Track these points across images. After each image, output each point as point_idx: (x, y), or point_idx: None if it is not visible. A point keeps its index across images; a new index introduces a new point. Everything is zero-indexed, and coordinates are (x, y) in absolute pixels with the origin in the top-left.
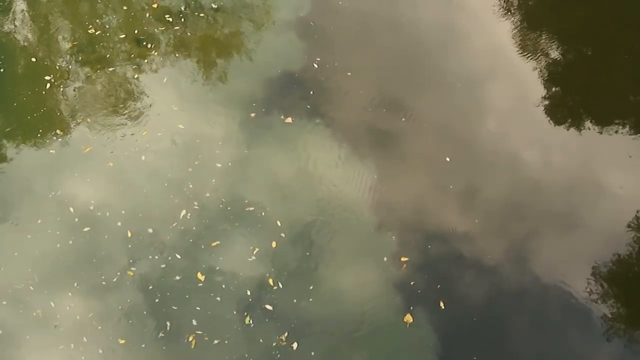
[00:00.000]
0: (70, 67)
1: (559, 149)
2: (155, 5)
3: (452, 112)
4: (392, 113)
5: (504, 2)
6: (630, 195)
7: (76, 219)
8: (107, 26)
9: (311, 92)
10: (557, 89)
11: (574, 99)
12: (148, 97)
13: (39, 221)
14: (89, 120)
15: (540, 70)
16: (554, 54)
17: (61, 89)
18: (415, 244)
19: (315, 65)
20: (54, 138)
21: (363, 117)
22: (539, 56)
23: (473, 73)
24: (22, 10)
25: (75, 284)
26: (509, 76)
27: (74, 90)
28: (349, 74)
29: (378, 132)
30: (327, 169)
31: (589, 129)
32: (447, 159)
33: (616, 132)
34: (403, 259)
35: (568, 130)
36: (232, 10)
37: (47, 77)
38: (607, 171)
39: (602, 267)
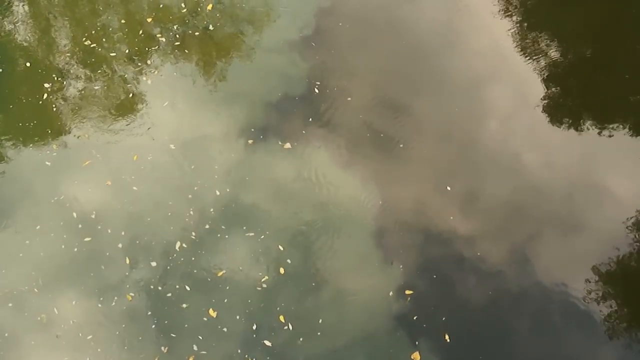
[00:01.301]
0: (64, 79)
1: (559, 150)
2: (149, 20)
3: (457, 136)
4: (392, 140)
5: (504, 2)
6: (631, 196)
7: (76, 227)
8: (103, 39)
9: (310, 119)
10: (557, 89)
11: (573, 99)
12: (144, 122)
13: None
14: (86, 135)
15: (541, 71)
16: (555, 54)
17: (57, 99)
18: (420, 275)
19: (317, 90)
20: (49, 152)
21: (363, 143)
22: (540, 57)
23: (473, 77)
24: (18, 20)
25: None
26: (509, 77)
27: (69, 102)
28: (349, 99)
29: (379, 158)
30: (327, 195)
31: (589, 129)
32: (448, 188)
33: (616, 132)
34: (408, 292)
35: (568, 131)
36: (230, 29)
37: (47, 85)
38: (607, 172)
39: (603, 268)
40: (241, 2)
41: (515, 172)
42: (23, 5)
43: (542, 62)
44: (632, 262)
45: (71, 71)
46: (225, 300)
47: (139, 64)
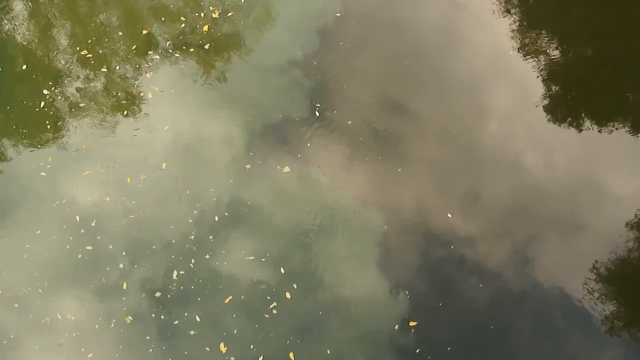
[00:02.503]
0: (60, 86)
1: (559, 150)
2: (145, 32)
3: (464, 162)
4: (392, 163)
5: (505, 2)
6: (631, 195)
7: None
8: (99, 51)
9: (309, 143)
10: (558, 89)
11: (574, 99)
12: (138, 146)
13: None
14: (83, 145)
15: (542, 71)
16: (555, 53)
17: (55, 106)
18: (424, 305)
19: (317, 113)
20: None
21: (364, 166)
22: (541, 57)
23: (473, 78)
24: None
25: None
26: (509, 78)
27: (66, 109)
28: (350, 122)
29: (379, 181)
30: (327, 219)
31: (590, 129)
32: (449, 215)
33: (617, 131)
34: (412, 323)
35: (568, 130)
36: (227, 48)
37: (45, 91)
38: (608, 171)
39: (604, 268)
40: (240, 19)
41: (519, 177)
42: (23, 7)
43: (543, 62)
44: (632, 261)
45: (65, 80)
46: (235, 331)
47: (134, 77)
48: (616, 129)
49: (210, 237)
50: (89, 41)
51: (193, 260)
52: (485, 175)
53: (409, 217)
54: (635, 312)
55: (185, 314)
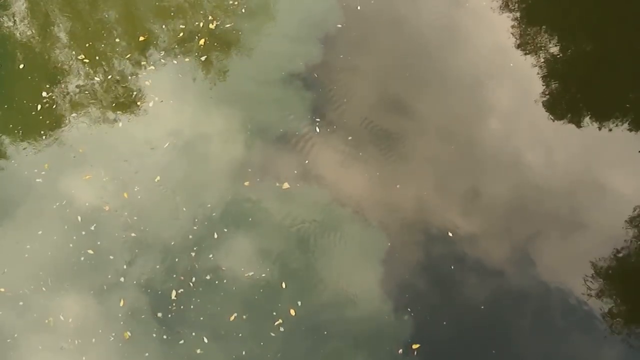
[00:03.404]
0: (57, 90)
1: (559, 148)
2: (142, 39)
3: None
4: (392, 179)
5: (504, 1)
6: (632, 192)
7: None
8: (96, 57)
9: (308, 160)
10: (558, 87)
11: (574, 97)
12: (139, 156)
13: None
14: (80, 150)
15: (542, 69)
16: (556, 51)
17: (52, 109)
18: (428, 324)
19: (317, 129)
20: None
21: (365, 184)
22: (541, 54)
23: (473, 77)
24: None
25: None
26: (509, 76)
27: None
28: (350, 138)
29: (380, 199)
30: (326, 235)
31: (590, 127)
32: (450, 234)
33: (617, 129)
34: (414, 346)
35: (567, 128)
36: (224, 59)
37: (44, 94)
38: (608, 169)
39: (605, 265)
40: (239, 30)
41: (520, 176)
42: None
43: (545, 60)
44: (632, 258)
45: (62, 84)
46: (244, 353)
47: (133, 83)
48: (616, 126)
49: (211, 256)
50: (87, 45)
51: (194, 279)
52: (486, 178)
53: (412, 233)
54: (636, 309)
55: (193, 334)
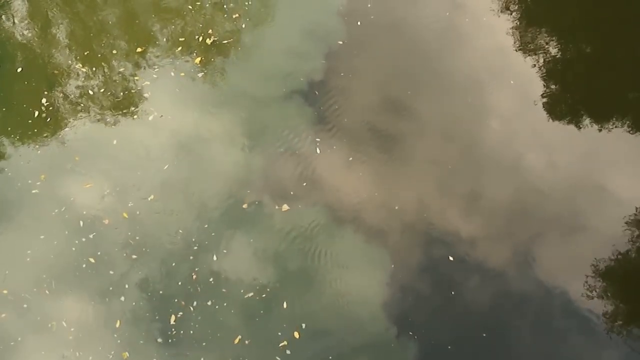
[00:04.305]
0: (54, 95)
1: (559, 149)
2: (140, 50)
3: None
4: (392, 200)
5: (504, 1)
6: (632, 193)
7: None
8: (93, 68)
9: (307, 182)
10: (557, 89)
11: (574, 98)
12: (136, 171)
13: None
14: (76, 158)
15: (541, 70)
16: (555, 52)
17: (50, 116)
18: (432, 348)
19: (318, 150)
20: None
21: (364, 204)
22: (541, 56)
23: (474, 77)
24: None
25: None
26: (509, 76)
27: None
28: (351, 159)
29: (380, 221)
30: (328, 257)
31: (590, 128)
32: (450, 258)
33: (617, 130)
34: None
35: (568, 129)
36: (222, 75)
37: (44, 100)
38: (609, 170)
39: (605, 267)
40: (239, 46)
41: (521, 180)
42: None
43: (545, 61)
44: (632, 260)
45: (60, 92)
46: None
47: (127, 97)
48: (616, 126)
49: (211, 279)
50: (85, 54)
51: (195, 303)
52: (487, 185)
53: (414, 255)
54: (637, 310)
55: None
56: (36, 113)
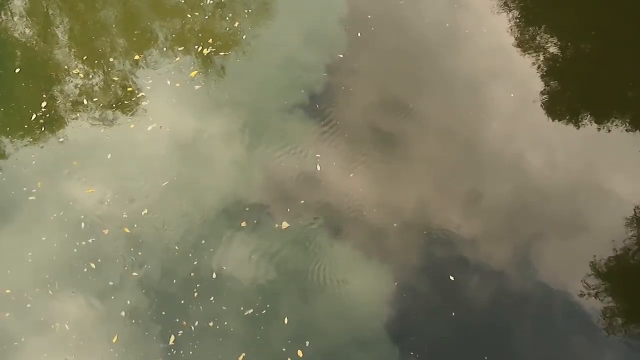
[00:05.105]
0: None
1: (559, 148)
2: (137, 57)
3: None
4: (391, 217)
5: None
6: (632, 192)
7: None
8: (90, 75)
9: (308, 199)
10: (557, 87)
11: (574, 96)
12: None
13: None
14: (75, 162)
15: (542, 69)
16: (556, 51)
17: (48, 120)
18: None
19: (319, 167)
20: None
21: (364, 221)
22: (541, 55)
23: (474, 77)
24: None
25: None
26: (509, 76)
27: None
28: (352, 175)
29: (382, 240)
30: (328, 274)
31: (590, 127)
32: (452, 278)
33: (617, 129)
34: None
35: (568, 128)
36: (223, 84)
37: (43, 104)
38: (609, 169)
39: (605, 267)
40: (238, 59)
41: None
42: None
43: (545, 60)
44: (632, 259)
45: (57, 98)
46: None
47: (125, 105)
48: (616, 126)
49: (212, 298)
50: (84, 58)
51: (197, 323)
52: (491, 187)
53: (417, 272)
54: (637, 310)
55: None
56: (34, 116)
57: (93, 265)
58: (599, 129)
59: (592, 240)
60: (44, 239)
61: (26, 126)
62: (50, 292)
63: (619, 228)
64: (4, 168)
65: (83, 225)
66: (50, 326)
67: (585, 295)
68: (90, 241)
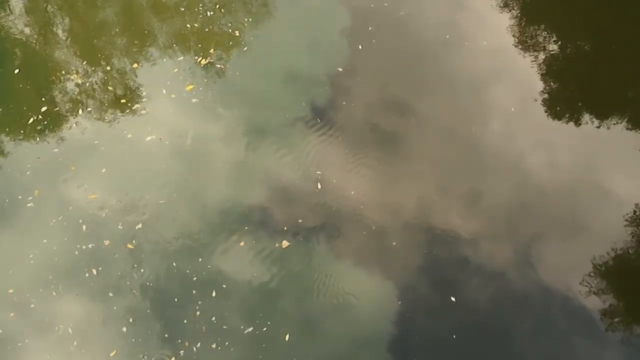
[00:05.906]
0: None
1: (559, 147)
2: (135, 65)
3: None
4: (390, 235)
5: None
6: (632, 191)
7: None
8: (89, 80)
9: (301, 220)
10: (558, 87)
11: (574, 96)
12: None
13: None
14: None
15: (543, 69)
16: (556, 50)
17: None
18: None
19: (319, 185)
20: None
21: (364, 240)
22: (542, 54)
23: (474, 77)
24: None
25: None
26: (509, 76)
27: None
28: (353, 192)
29: (384, 257)
30: (328, 292)
31: (590, 126)
32: (453, 299)
33: (617, 128)
34: None
35: (568, 127)
36: (221, 99)
37: (43, 108)
38: (609, 168)
39: (606, 266)
40: (236, 71)
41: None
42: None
43: (545, 60)
44: (633, 258)
45: (56, 102)
46: None
47: (123, 113)
48: (616, 124)
49: (213, 318)
50: (83, 63)
51: (199, 344)
52: (493, 192)
53: (421, 291)
54: (637, 309)
55: None
56: (31, 120)
57: (94, 271)
58: (599, 128)
59: (592, 239)
60: (45, 241)
61: (22, 131)
62: (57, 289)
63: (619, 227)
64: (4, 165)
65: (83, 220)
66: (58, 325)
67: (585, 294)
68: (91, 245)
